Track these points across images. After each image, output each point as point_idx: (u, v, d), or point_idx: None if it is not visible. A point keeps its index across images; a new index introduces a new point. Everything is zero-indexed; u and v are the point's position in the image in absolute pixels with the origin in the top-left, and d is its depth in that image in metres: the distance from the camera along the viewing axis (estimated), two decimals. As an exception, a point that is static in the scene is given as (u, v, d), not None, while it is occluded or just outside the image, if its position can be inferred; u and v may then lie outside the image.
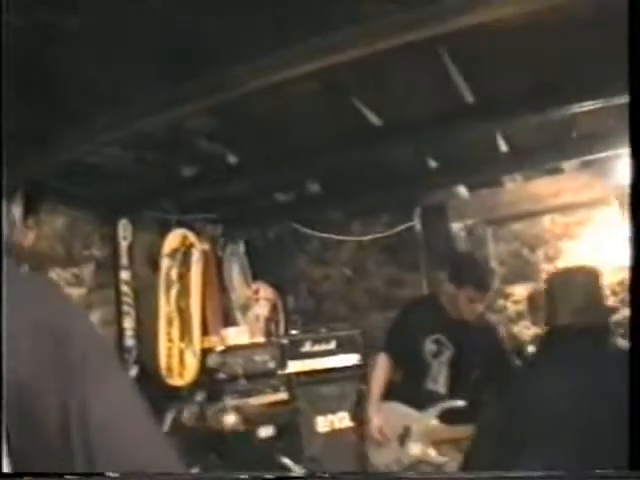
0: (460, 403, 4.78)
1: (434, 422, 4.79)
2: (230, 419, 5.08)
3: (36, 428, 1.08)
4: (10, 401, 1.04)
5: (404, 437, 4.80)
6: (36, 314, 1.16)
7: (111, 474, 1.11)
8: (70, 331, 1.18)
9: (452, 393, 4.88)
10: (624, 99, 4.33)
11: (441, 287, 5.12)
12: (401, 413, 4.89)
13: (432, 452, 4.73)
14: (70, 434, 1.11)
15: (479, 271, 5.04)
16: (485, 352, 4.97)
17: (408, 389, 5.01)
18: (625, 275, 6.29)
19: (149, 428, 1.28)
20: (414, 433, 4.78)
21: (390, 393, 5.09)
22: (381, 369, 5.14)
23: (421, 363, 4.95)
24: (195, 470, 4.71)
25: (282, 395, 6.63)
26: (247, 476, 1.41)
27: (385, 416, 4.93)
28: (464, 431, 4.51)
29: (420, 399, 4.87)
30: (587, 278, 3.35)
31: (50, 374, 1.11)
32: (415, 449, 4.75)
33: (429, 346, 4.95)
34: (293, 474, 5.00)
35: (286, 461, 5.01)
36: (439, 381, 4.91)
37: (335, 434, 6.59)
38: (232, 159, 5.81)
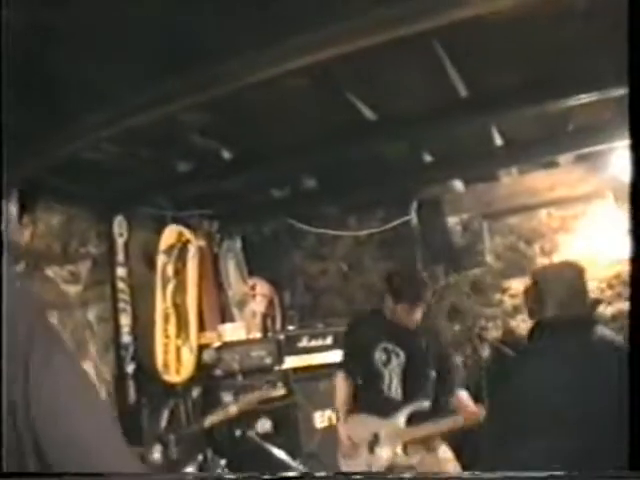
0: (426, 404, 4.97)
1: (401, 426, 4.90)
2: (227, 415, 5.06)
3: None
4: None
5: (373, 444, 4.89)
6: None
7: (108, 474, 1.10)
8: (14, 316, 1.17)
9: (408, 397, 5.01)
10: (620, 92, 4.33)
11: (384, 301, 5.20)
12: (368, 422, 5.01)
13: (401, 455, 4.82)
14: (16, 426, 1.10)
15: (412, 286, 5.12)
16: (434, 353, 5.13)
17: (369, 399, 5.11)
18: (621, 268, 6.30)
19: (101, 421, 1.26)
20: (382, 438, 4.89)
21: (355, 406, 5.21)
22: (340, 388, 5.28)
23: (374, 372, 5.07)
24: (192, 466, 4.71)
25: (279, 391, 6.63)
26: (246, 476, 1.41)
27: (352, 427, 5.06)
28: (430, 428, 4.84)
29: (381, 406, 5.00)
30: (572, 273, 3.56)
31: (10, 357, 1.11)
32: (384, 454, 4.84)
33: (378, 355, 5.07)
34: (291, 472, 5.01)
35: (284, 457, 4.99)
36: (393, 387, 5.05)
37: (333, 429, 6.59)
38: (227, 155, 5.80)
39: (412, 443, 4.86)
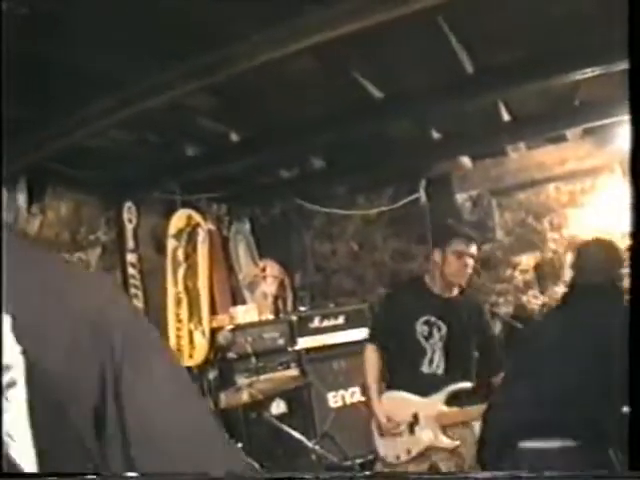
0: (468, 385, 4.76)
1: (442, 406, 4.73)
2: (242, 397, 5.08)
3: (65, 419, 1.07)
4: (36, 390, 1.03)
5: (413, 425, 4.77)
6: (75, 302, 1.15)
7: (107, 474, 1.10)
8: (110, 320, 1.17)
9: (450, 374, 4.82)
10: (625, 65, 4.31)
11: (425, 266, 5.07)
12: (406, 401, 4.82)
13: (442, 437, 4.70)
14: (105, 424, 1.10)
15: (462, 226, 5.02)
16: (476, 327, 4.97)
17: (407, 375, 4.91)
18: (631, 241, 6.29)
19: (196, 424, 1.25)
20: (422, 420, 4.75)
21: (389, 382, 5.05)
22: (371, 361, 5.07)
23: (415, 347, 4.88)
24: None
25: (293, 372, 6.65)
26: (250, 476, 1.41)
27: (390, 407, 4.88)
28: (473, 412, 4.53)
29: (420, 384, 4.80)
30: (609, 247, 3.84)
31: (88, 361, 1.10)
32: (426, 436, 4.71)
33: (420, 328, 4.88)
34: (307, 454, 5.02)
35: (299, 437, 5.01)
36: (435, 363, 4.85)
37: (347, 409, 6.62)
38: (234, 137, 5.80)
39: (454, 426, 4.70)
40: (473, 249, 4.93)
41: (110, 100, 4.36)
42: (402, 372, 4.97)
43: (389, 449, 4.85)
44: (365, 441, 5.29)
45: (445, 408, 4.72)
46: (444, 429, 4.70)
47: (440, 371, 4.84)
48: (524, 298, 7.26)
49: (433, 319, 4.89)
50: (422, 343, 4.87)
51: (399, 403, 4.85)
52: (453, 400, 4.75)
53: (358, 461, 5.82)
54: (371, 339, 5.22)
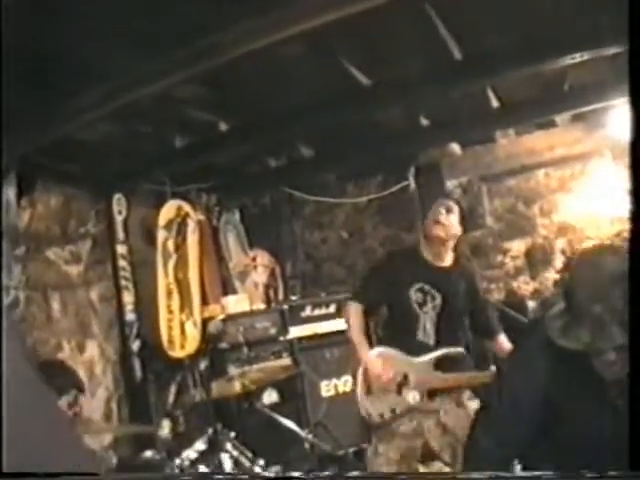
0: (460, 350, 4.76)
1: (431, 369, 4.71)
2: (234, 387, 5.08)
3: None
4: None
5: (402, 385, 4.76)
6: None
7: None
8: None
9: (442, 342, 4.81)
10: (614, 50, 4.31)
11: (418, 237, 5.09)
12: (398, 359, 4.77)
13: (426, 400, 4.70)
14: None
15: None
16: (470, 297, 4.96)
17: (399, 340, 4.85)
18: (621, 226, 6.29)
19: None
20: (412, 381, 4.75)
21: (379, 342, 5.05)
22: (358, 319, 4.98)
23: (409, 313, 4.83)
24: (201, 440, 4.73)
25: (285, 361, 6.65)
26: (248, 476, 1.41)
27: (382, 362, 4.79)
28: (460, 379, 4.62)
29: (412, 348, 4.77)
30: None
31: None
32: (410, 397, 4.71)
33: (414, 295, 4.83)
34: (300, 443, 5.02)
35: (292, 426, 5.01)
36: (427, 331, 4.85)
37: (339, 398, 6.62)
38: (223, 127, 5.78)
39: (442, 389, 4.67)
40: (454, 209, 4.92)
41: (98, 91, 4.34)
42: (395, 336, 4.94)
43: (374, 408, 4.83)
44: (358, 429, 5.28)
45: (433, 371, 4.70)
46: (432, 394, 4.70)
47: (431, 341, 4.82)
48: (515, 284, 7.27)
49: (427, 287, 4.85)
50: (416, 310, 4.84)
51: (391, 360, 4.80)
52: (443, 365, 4.72)
53: (351, 450, 5.82)
54: (356, 297, 5.12)
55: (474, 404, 4.69)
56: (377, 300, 5.07)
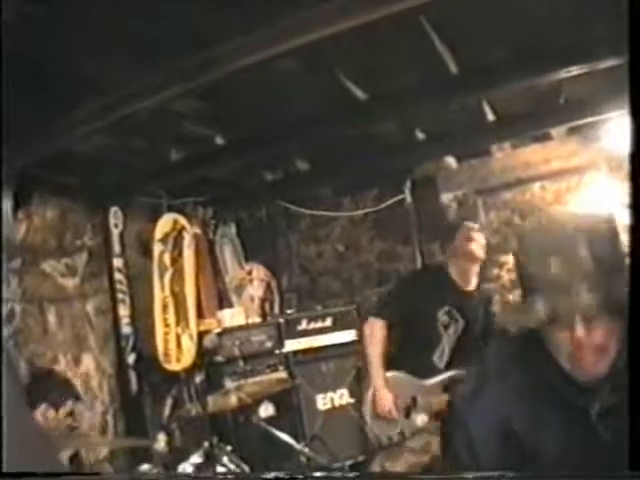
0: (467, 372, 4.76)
1: (439, 392, 4.74)
2: (230, 400, 5.07)
3: None
4: None
5: (410, 409, 4.76)
6: None
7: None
8: None
9: (453, 365, 4.82)
10: (610, 63, 4.32)
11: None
12: (409, 384, 4.82)
13: (434, 421, 4.71)
14: None
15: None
16: (485, 324, 4.96)
17: (414, 360, 4.91)
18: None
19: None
20: (420, 404, 4.74)
21: (394, 361, 5.02)
22: (379, 337, 4.98)
23: (431, 334, 4.88)
24: (197, 454, 4.71)
25: (281, 374, 6.64)
26: (246, 476, 1.40)
27: (392, 387, 4.84)
28: None
29: (424, 370, 4.82)
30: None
31: None
32: (419, 420, 4.71)
33: (442, 317, 4.88)
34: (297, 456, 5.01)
35: (288, 440, 5.00)
36: (444, 354, 4.85)
37: (336, 411, 6.61)
38: (219, 140, 5.79)
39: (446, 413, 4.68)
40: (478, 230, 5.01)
41: (96, 105, 4.35)
42: (412, 355, 4.96)
43: (381, 430, 4.83)
44: (355, 442, 5.27)
45: (441, 393, 4.73)
46: (439, 415, 4.70)
47: (442, 364, 4.84)
48: (510, 297, 7.26)
49: (454, 311, 4.89)
50: (441, 332, 4.85)
51: (402, 385, 4.83)
52: (449, 387, 4.73)
53: (348, 463, 5.81)
54: (380, 314, 5.12)
55: None
56: (401, 318, 5.05)
